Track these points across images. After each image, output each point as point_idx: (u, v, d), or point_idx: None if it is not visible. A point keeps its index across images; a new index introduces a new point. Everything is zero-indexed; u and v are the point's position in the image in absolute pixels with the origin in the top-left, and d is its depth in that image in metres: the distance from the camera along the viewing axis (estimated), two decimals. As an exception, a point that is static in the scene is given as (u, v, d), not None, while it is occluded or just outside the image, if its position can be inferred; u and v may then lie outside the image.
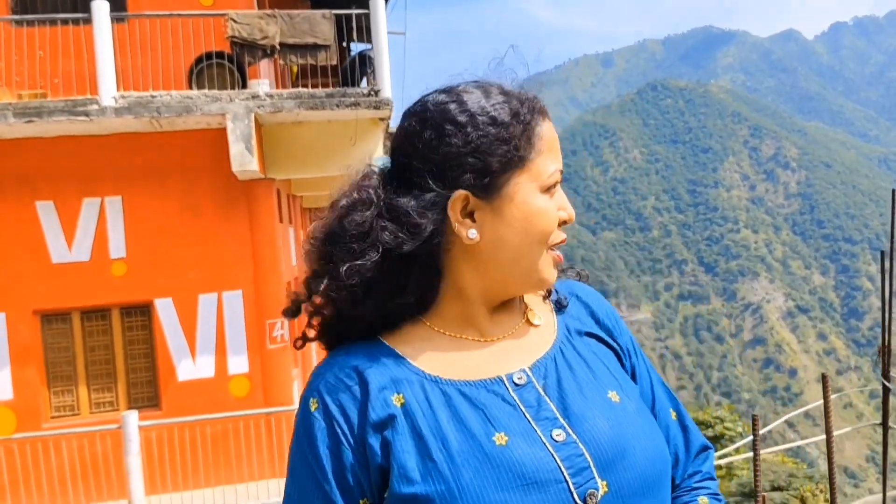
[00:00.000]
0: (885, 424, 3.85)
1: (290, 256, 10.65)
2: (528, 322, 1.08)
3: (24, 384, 8.02)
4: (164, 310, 8.24)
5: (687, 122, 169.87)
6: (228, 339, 8.40)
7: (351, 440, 0.96)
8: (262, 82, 7.98)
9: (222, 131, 7.79)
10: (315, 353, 14.11)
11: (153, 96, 7.66)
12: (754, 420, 2.13)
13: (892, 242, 2.60)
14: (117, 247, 8.19)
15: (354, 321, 1.04)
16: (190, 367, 8.29)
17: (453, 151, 0.98)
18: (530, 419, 0.96)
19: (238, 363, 8.42)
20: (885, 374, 3.47)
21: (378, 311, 1.02)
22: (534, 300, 1.13)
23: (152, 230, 8.23)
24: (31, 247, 8.00)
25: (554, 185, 1.02)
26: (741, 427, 29.41)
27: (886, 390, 3.70)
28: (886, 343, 2.80)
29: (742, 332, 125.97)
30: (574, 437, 0.96)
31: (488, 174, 0.99)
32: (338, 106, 7.99)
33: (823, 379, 2.16)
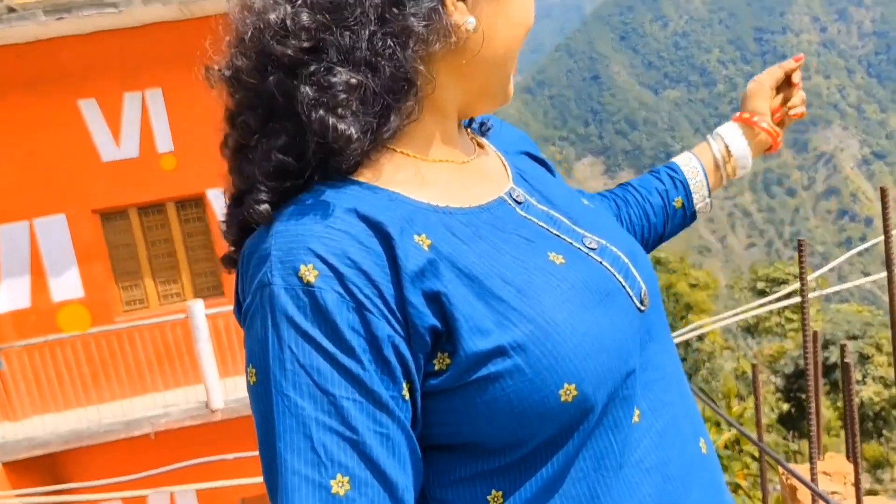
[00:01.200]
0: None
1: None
2: (478, 144, 0.93)
3: (93, 281, 8.27)
4: (217, 200, 8.26)
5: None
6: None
7: (383, 306, 0.70)
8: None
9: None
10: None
11: (178, -20, 7.39)
12: (800, 245, 1.93)
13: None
14: (164, 140, 8.16)
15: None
16: (249, 254, 8.39)
17: None
18: (557, 233, 0.84)
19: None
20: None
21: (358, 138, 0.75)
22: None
23: (197, 121, 8.10)
24: (80, 146, 8.04)
25: None
26: (815, 283, 28.83)
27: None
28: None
29: (815, 183, 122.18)
30: (603, 241, 0.86)
31: None
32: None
33: (882, 192, 1.91)
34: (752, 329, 29.98)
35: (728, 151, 1.19)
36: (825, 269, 5.90)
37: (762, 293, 26.95)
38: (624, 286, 0.82)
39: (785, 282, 27.22)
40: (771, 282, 29.50)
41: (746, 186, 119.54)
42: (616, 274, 0.82)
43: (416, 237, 0.73)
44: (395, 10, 0.73)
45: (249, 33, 0.77)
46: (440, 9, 0.75)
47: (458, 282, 0.73)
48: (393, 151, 0.80)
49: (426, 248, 0.73)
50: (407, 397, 0.72)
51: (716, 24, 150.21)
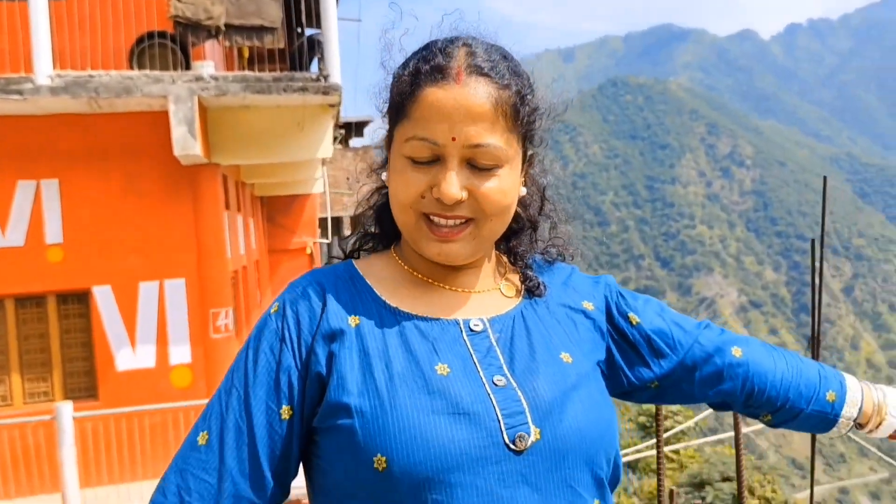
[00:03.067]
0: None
1: (237, 244, 10.42)
2: (502, 293, 1.12)
3: (-47, 373, 7.68)
4: (103, 297, 7.97)
5: (646, 119, 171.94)
6: (170, 328, 8.16)
7: (297, 345, 1.00)
8: (207, 64, 7.73)
9: (165, 114, 7.55)
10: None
11: (91, 76, 7.38)
12: (657, 414, 2.08)
13: (822, 230, 2.57)
14: (53, 231, 7.89)
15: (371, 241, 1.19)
16: (129, 356, 8.04)
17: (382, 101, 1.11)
18: (476, 361, 1.00)
19: (180, 353, 8.20)
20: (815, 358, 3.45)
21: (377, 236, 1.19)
22: (510, 277, 1.16)
23: (91, 215, 7.95)
24: (-39, 230, 7.66)
25: (419, 156, 1.00)
26: (694, 425, 29.80)
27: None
28: (816, 332, 2.78)
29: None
30: (513, 384, 0.99)
31: (389, 121, 1.08)
32: (285, 90, 7.80)
33: None
34: (633, 465, 30.41)
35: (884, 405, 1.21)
36: (704, 414, 6.19)
37: (643, 427, 27.56)
38: (498, 420, 0.95)
39: (665, 419, 28.05)
40: (653, 417, 30.25)
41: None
42: (497, 407, 0.96)
43: (350, 316, 1.02)
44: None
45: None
46: (383, 175, 1.12)
47: (355, 353, 0.99)
48: (391, 255, 1.13)
49: (353, 325, 1.01)
50: (285, 417, 0.99)
51: (611, 168, 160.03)
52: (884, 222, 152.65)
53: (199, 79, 7.53)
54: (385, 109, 1.08)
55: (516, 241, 1.18)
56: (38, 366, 7.98)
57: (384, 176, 1.08)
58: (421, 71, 1.00)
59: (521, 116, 1.03)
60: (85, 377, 8.09)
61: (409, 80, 1.01)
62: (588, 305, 1.16)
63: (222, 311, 8.28)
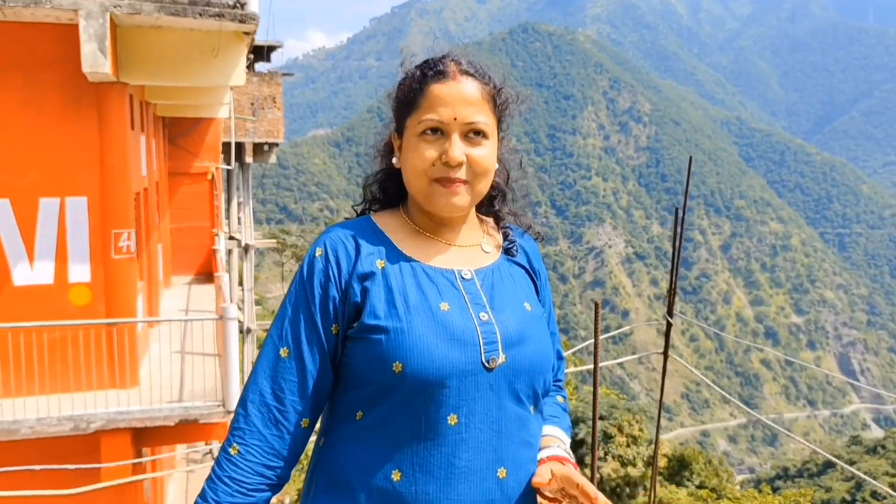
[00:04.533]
0: (665, 354, 4.47)
1: (139, 165, 10.30)
2: (482, 249, 1.53)
3: None
4: (1, 211, 7.84)
5: (552, 68, 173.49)
6: (70, 247, 8.11)
7: (340, 282, 1.39)
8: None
9: (74, 27, 7.38)
10: (161, 268, 13.79)
11: (-4, -19, 7.11)
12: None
13: (685, 200, 3.03)
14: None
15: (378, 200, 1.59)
16: (27, 272, 7.98)
17: (392, 104, 1.52)
18: (467, 301, 1.41)
19: (80, 272, 8.18)
20: (670, 312, 4.05)
21: (382, 197, 1.59)
22: (492, 234, 1.58)
23: (-11, 126, 7.73)
24: None
25: (430, 131, 1.40)
26: (575, 361, 31.36)
27: (669, 326, 4.32)
28: (673, 285, 3.27)
29: (584, 273, 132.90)
30: (493, 320, 1.41)
31: (397, 118, 1.50)
32: (200, 15, 7.74)
33: (595, 307, 2.55)
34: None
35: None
36: (580, 346, 6.85)
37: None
38: (480, 346, 1.37)
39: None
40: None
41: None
42: (480, 336, 1.38)
43: (378, 260, 1.42)
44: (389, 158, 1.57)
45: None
46: (396, 156, 1.52)
47: (382, 289, 1.39)
48: (401, 214, 1.53)
49: (380, 267, 1.41)
50: (334, 332, 1.41)
51: (515, 115, 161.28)
52: (764, 186, 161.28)
53: (111, -5, 7.36)
54: (393, 111, 1.51)
55: (499, 206, 1.61)
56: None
57: (395, 160, 1.49)
58: (427, 74, 1.43)
59: (498, 104, 1.48)
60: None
61: (417, 81, 1.44)
62: (530, 267, 1.61)
63: (125, 233, 8.28)
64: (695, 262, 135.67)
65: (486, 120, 1.42)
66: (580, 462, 23.68)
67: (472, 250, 1.51)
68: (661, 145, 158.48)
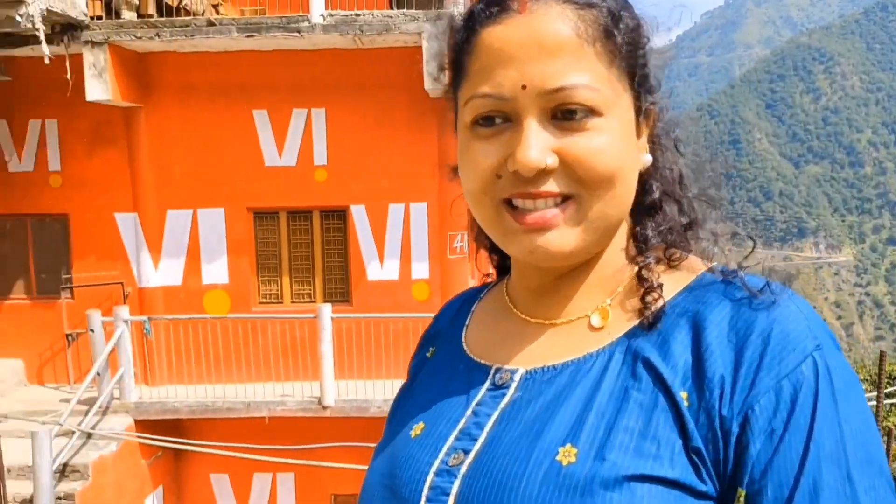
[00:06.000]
0: None
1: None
2: (590, 324, 0.81)
3: (238, 272, 9.14)
4: (358, 215, 9.00)
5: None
6: (413, 247, 9.06)
7: (412, 361, 0.99)
8: (459, 2, 8.24)
9: (417, 49, 8.21)
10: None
11: (357, 15, 8.18)
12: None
13: None
14: (320, 154, 8.97)
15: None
16: (377, 269, 9.06)
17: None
18: (462, 424, 0.80)
19: (420, 269, 9.08)
20: None
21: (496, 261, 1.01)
22: (631, 299, 0.81)
23: (351, 141, 8.92)
24: (248, 151, 8.95)
25: (483, 120, 0.77)
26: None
27: None
28: None
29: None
30: (466, 466, 0.75)
31: (450, 89, 0.85)
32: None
33: (881, 357, 2.20)
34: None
35: None
36: None
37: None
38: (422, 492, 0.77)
39: (909, 382, 25.79)
40: (893, 379, 27.90)
41: (882, 275, 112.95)
42: (424, 495, 0.76)
43: (431, 348, 0.97)
44: None
45: None
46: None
47: (411, 386, 0.94)
48: (502, 284, 0.95)
49: (428, 356, 0.96)
50: None
51: (871, 104, 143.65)
52: None
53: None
54: (447, 82, 0.86)
55: (658, 229, 0.85)
56: (304, 271, 9.23)
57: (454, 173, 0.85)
58: (475, 11, 0.78)
59: (618, 42, 0.76)
60: (340, 283, 9.24)
61: (463, 26, 0.80)
62: (684, 394, 0.73)
63: (458, 235, 9.01)
64: None
65: (587, 80, 0.73)
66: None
67: (568, 329, 0.82)
68: None
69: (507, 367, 0.82)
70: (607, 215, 0.77)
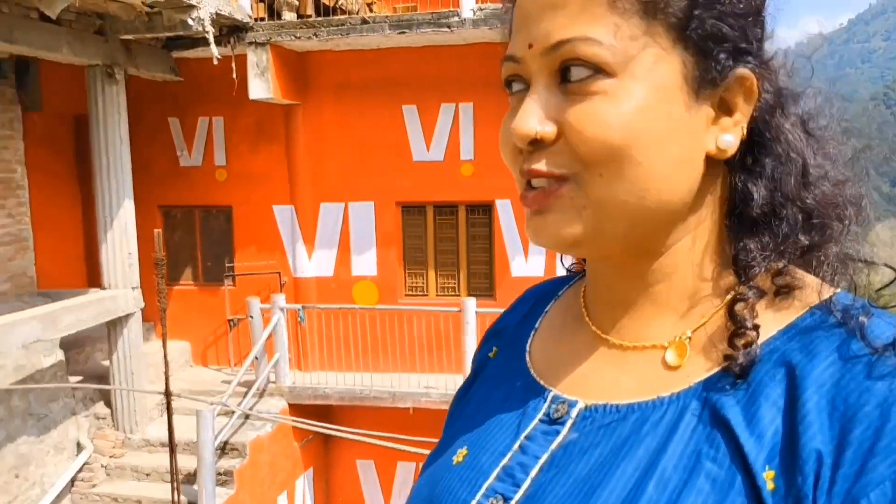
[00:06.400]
0: None
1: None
2: (664, 359, 0.66)
3: (386, 264, 9.36)
4: (504, 210, 8.96)
5: None
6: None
7: (475, 357, 0.89)
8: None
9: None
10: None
11: (506, 8, 8.12)
12: None
13: None
14: (467, 149, 9.01)
15: None
16: (522, 264, 8.99)
17: None
18: (507, 460, 0.69)
19: (558, 265, 8.94)
20: None
21: None
22: (717, 334, 0.64)
23: (497, 136, 8.85)
24: (397, 146, 9.14)
25: (507, 86, 0.70)
26: None
27: None
28: None
29: None
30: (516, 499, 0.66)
31: None
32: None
33: None
34: None
35: None
36: None
37: None
38: None
39: None
40: None
41: None
42: None
43: (494, 347, 0.86)
44: None
45: None
46: None
47: (466, 391, 0.85)
48: (580, 286, 0.80)
49: (490, 357, 0.85)
50: None
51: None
52: None
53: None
54: None
55: (754, 244, 0.65)
56: (449, 265, 9.32)
57: None
58: None
59: None
60: (484, 278, 9.25)
61: None
62: (769, 474, 0.56)
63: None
64: None
65: (590, 33, 0.60)
66: None
67: (639, 358, 0.67)
68: None
69: (565, 395, 0.69)
70: (621, 201, 0.61)
